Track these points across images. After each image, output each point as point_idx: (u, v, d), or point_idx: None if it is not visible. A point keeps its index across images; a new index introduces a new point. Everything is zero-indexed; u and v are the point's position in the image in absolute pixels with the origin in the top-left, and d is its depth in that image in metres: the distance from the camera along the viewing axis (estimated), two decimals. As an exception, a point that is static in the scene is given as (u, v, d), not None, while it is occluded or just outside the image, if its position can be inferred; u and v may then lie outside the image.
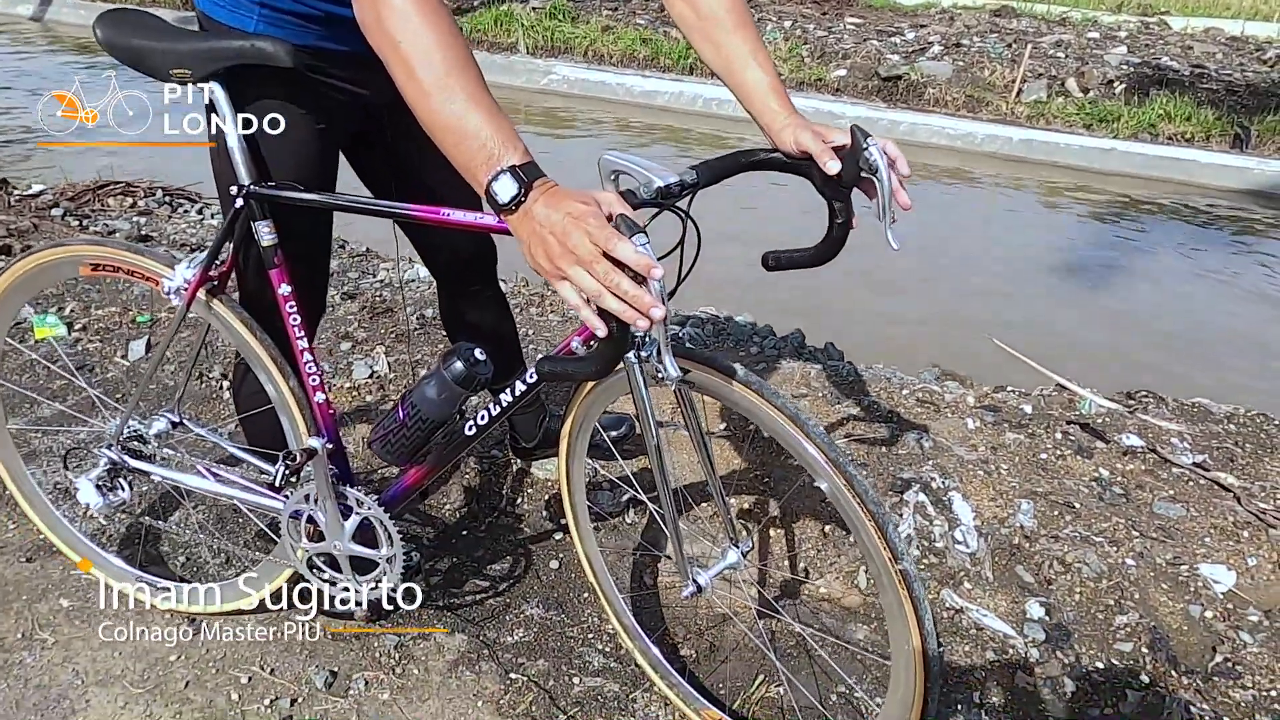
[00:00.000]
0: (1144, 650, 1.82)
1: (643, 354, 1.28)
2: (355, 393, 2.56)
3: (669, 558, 1.94)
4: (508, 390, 1.41)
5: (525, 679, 1.71)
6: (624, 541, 2.06)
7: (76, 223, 3.71)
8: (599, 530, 2.06)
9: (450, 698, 1.67)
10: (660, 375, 1.26)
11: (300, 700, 1.65)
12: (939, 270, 4.69)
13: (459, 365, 1.41)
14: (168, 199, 4.18)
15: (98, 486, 1.63)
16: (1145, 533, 2.12)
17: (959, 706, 1.70)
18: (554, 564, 1.99)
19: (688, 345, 1.27)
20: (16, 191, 3.93)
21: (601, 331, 0.94)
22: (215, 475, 1.63)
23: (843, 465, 1.14)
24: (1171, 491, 2.29)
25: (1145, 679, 1.76)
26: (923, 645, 1.14)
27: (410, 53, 1.04)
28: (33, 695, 1.63)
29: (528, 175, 1.01)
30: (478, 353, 1.43)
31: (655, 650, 1.68)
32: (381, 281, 3.34)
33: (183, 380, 1.75)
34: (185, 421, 1.70)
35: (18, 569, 1.90)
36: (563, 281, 0.97)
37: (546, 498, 2.17)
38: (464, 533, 2.07)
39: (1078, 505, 2.19)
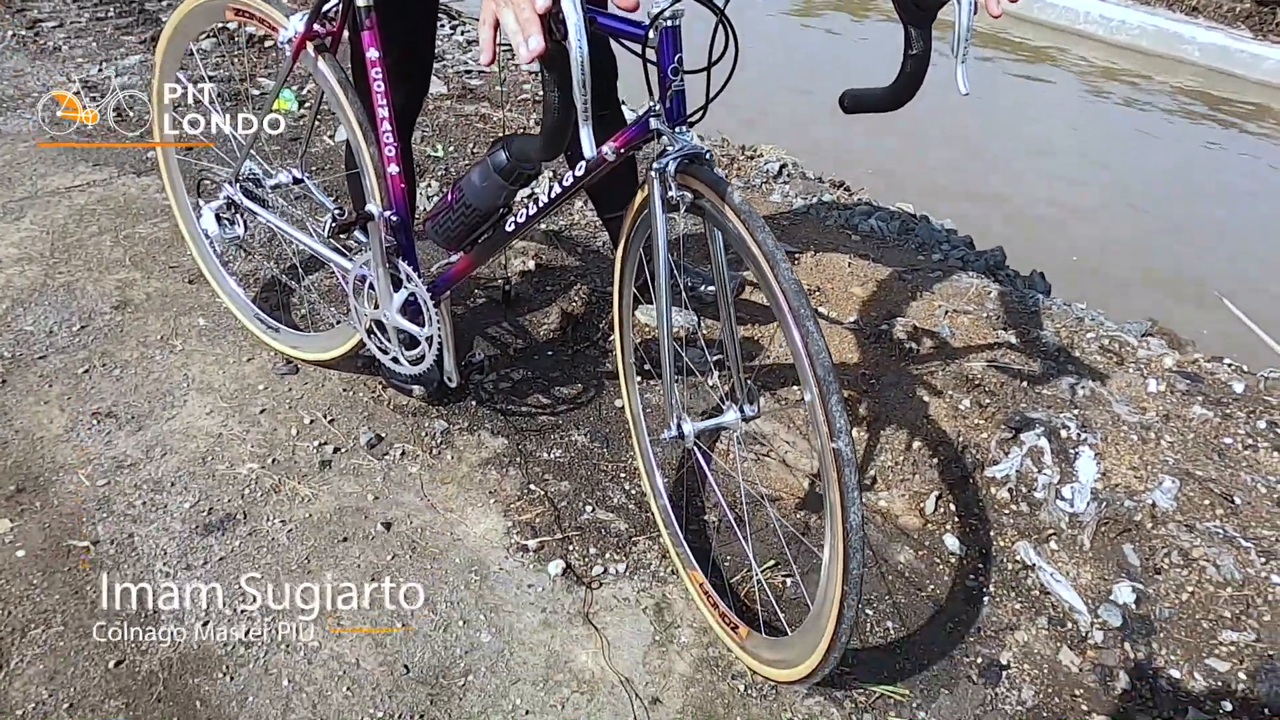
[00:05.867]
0: (1241, 675, 1.49)
1: (655, 165, 1.18)
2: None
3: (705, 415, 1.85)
4: (546, 189, 1.37)
5: (542, 493, 1.73)
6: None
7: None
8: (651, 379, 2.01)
9: (468, 488, 1.73)
10: (672, 199, 1.19)
11: (343, 450, 1.78)
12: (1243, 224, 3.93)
13: (502, 155, 1.38)
14: (440, 15, 4.42)
15: (217, 217, 1.81)
16: (1320, 556, 1.71)
17: (979, 660, 1.50)
18: (619, 403, 1.97)
19: (714, 168, 1.15)
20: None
21: (485, 57, 0.89)
22: (306, 228, 1.75)
23: (802, 318, 0.99)
24: (1388, 523, 1.82)
25: (1227, 705, 1.45)
26: (844, 546, 0.99)
27: None
28: (149, 385, 1.90)
29: None
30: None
31: (668, 505, 1.63)
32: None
33: (304, 138, 1.86)
34: (306, 180, 1.83)
35: (180, 286, 2.19)
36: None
37: (642, 340, 2.12)
38: (549, 353, 2.10)
39: (1239, 501, 1.80)
